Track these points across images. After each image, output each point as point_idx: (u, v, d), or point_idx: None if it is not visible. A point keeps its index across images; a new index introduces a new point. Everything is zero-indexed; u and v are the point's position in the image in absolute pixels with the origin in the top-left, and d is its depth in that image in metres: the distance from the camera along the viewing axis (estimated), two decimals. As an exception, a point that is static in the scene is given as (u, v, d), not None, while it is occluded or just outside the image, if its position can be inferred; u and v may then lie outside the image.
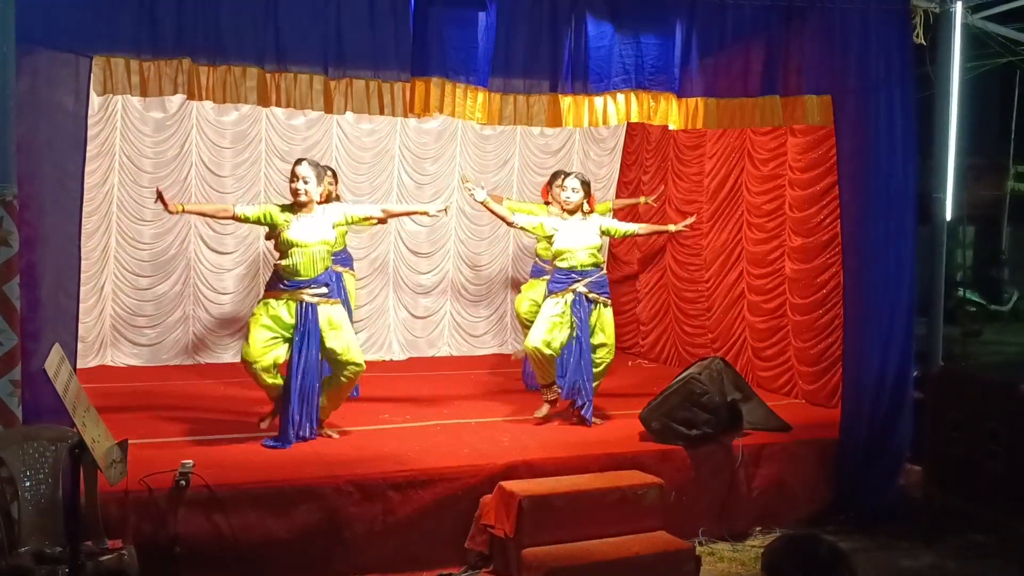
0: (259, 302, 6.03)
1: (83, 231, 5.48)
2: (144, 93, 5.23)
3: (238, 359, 8.36)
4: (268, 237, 6.04)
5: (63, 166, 5.07)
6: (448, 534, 5.42)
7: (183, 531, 4.85)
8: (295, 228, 5.79)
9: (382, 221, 6.52)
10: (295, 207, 5.86)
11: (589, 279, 6.54)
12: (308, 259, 5.79)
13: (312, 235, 5.80)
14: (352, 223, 6.24)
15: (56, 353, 3.91)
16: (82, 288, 5.59)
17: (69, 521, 4.27)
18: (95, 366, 8.28)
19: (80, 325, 5.83)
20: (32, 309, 4.82)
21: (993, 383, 5.81)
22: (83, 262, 5.61)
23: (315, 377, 5.88)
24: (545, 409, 6.69)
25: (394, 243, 9.45)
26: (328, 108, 5.52)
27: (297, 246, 5.77)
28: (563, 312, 6.49)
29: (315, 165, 5.93)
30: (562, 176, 7.30)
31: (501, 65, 5.74)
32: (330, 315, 5.88)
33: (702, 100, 6.04)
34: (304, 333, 5.81)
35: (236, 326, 8.71)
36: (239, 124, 8.73)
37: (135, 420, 6.29)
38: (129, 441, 4.01)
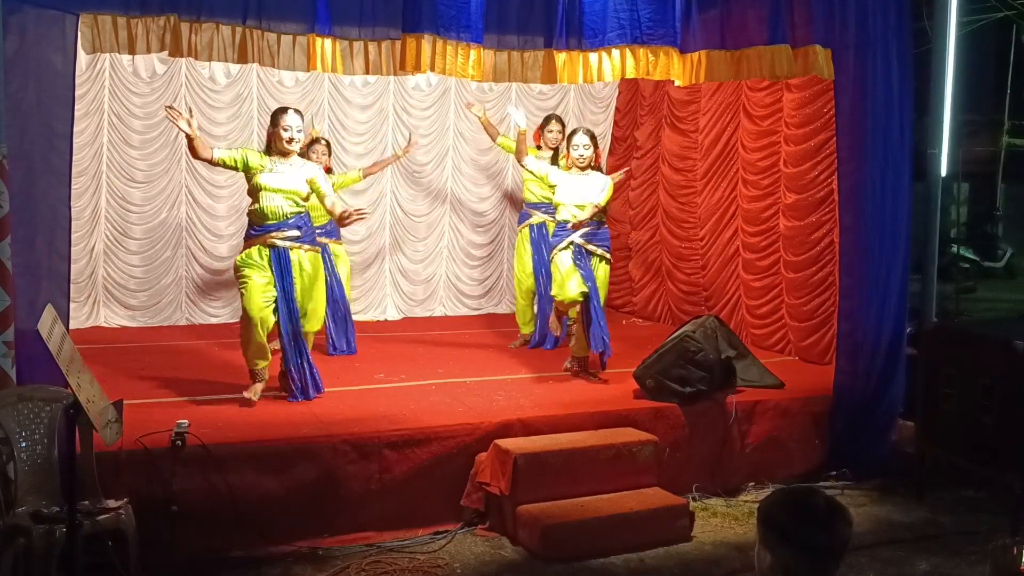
0: (237, 261, 5.98)
1: (73, 191, 5.43)
2: (131, 51, 5.17)
3: (231, 320, 8.45)
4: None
5: (52, 126, 5.02)
6: (444, 492, 5.45)
7: (180, 490, 4.86)
8: (267, 174, 5.81)
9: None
10: (275, 155, 5.87)
11: (584, 230, 6.54)
12: (275, 204, 5.81)
13: (284, 182, 5.83)
14: (317, 190, 6.00)
15: (49, 314, 3.89)
16: (73, 249, 5.56)
17: (65, 481, 4.28)
18: (89, 327, 8.27)
19: (72, 286, 5.81)
20: (24, 270, 4.79)
21: (986, 339, 5.83)
22: (74, 223, 5.57)
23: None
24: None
25: (391, 206, 9.41)
26: (311, 66, 5.45)
27: (265, 190, 5.79)
28: (573, 260, 6.54)
29: (299, 112, 5.96)
30: (552, 119, 7.46)
31: (494, 21, 5.66)
32: (301, 261, 5.92)
33: (705, 53, 5.96)
34: (282, 283, 5.84)
35: (230, 287, 8.68)
36: (230, 83, 8.65)
37: (130, 380, 6.30)
38: (124, 401, 4.01)
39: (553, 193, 6.80)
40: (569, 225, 6.54)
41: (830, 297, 7.14)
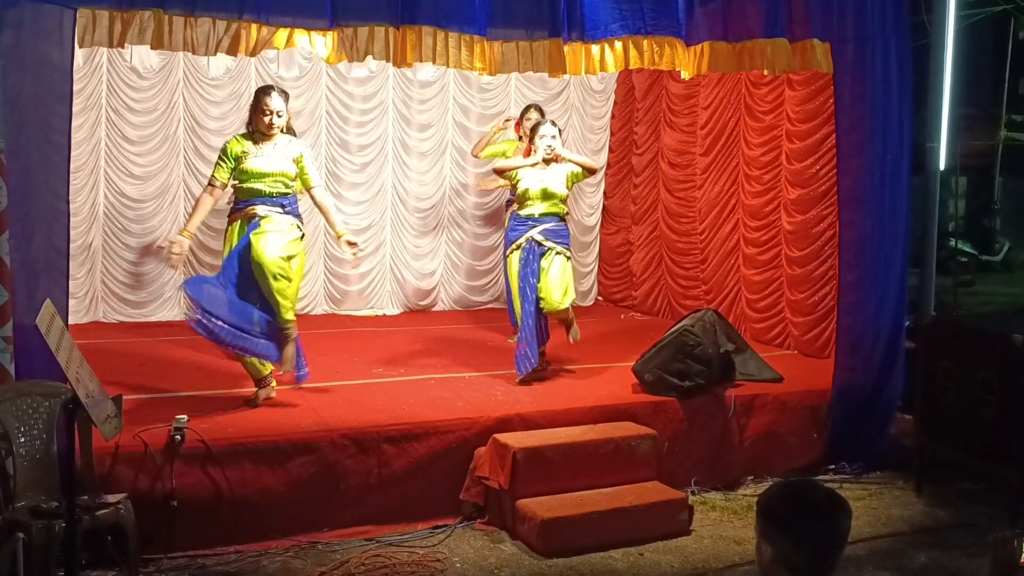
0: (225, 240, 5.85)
1: (71, 187, 5.42)
2: (121, 44, 5.13)
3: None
4: None
5: (49, 121, 4.99)
6: (443, 486, 5.45)
7: (179, 485, 4.87)
8: (254, 158, 5.70)
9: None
10: (257, 136, 5.76)
11: (545, 226, 6.41)
12: (266, 185, 5.68)
13: (271, 164, 5.70)
14: (302, 173, 5.88)
15: (48, 309, 3.88)
16: (72, 245, 5.54)
17: (64, 476, 4.28)
18: (87, 322, 8.27)
19: (71, 281, 5.79)
20: (22, 265, 4.78)
21: (985, 333, 5.83)
22: (72, 218, 5.55)
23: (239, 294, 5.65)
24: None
25: (391, 201, 9.40)
26: (308, 57, 5.37)
27: (254, 175, 5.67)
28: (522, 263, 6.43)
29: (283, 93, 5.85)
30: (531, 108, 7.33)
31: (496, 13, 5.61)
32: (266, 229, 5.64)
33: (709, 44, 5.93)
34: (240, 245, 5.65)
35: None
36: (228, 77, 8.64)
37: (129, 376, 6.29)
38: (123, 396, 4.01)
39: (515, 185, 6.56)
40: (537, 214, 6.40)
41: (830, 291, 7.14)
